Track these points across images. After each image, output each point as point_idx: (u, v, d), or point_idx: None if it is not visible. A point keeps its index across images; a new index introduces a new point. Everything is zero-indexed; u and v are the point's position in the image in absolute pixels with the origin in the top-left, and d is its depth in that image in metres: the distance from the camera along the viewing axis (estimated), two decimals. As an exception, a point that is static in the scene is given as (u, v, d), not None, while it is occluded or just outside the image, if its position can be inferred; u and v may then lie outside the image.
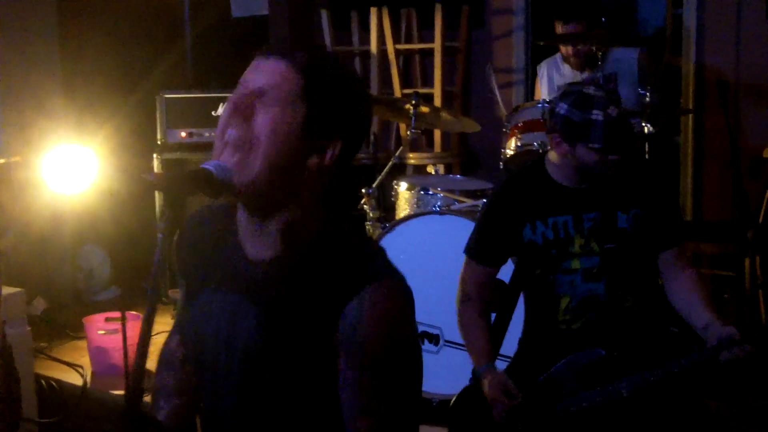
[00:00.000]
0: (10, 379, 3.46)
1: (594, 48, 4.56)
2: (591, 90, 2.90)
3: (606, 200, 3.00)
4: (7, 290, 4.98)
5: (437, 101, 6.52)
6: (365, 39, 6.85)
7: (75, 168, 4.74)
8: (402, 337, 1.79)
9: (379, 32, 6.65)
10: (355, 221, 1.78)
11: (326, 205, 1.86)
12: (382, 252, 1.85)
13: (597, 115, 2.85)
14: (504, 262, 3.21)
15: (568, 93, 2.94)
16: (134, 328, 4.78)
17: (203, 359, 1.91)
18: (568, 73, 4.94)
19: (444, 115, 4.92)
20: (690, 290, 3.01)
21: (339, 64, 1.86)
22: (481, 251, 3.18)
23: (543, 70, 5.12)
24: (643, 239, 3.02)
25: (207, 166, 1.75)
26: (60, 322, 5.38)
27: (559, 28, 4.87)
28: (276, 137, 1.75)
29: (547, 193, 3.04)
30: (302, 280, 1.80)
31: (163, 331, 2.34)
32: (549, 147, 3.06)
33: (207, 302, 1.92)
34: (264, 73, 1.78)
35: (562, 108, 2.92)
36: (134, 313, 4.99)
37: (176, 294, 5.39)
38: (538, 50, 5.21)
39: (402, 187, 4.70)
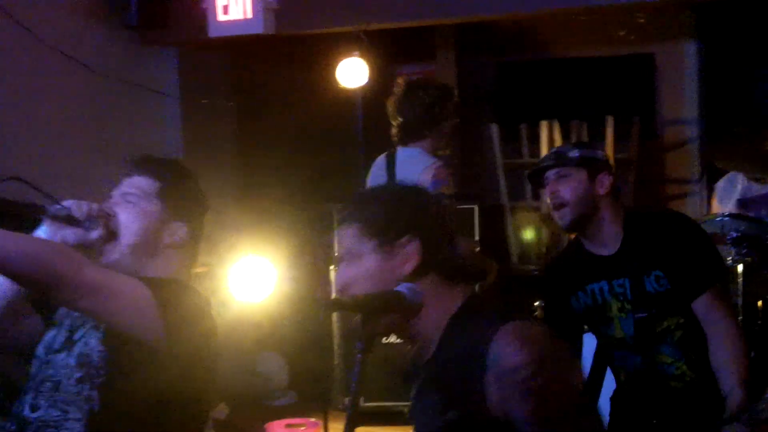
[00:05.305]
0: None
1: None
2: None
3: (632, 266, 3.00)
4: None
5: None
6: (535, 152, 6.91)
7: (256, 278, 4.94)
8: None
9: (549, 145, 6.70)
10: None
11: None
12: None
13: None
14: (575, 336, 3.17)
15: None
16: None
17: None
18: (746, 186, 4.84)
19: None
20: (721, 347, 2.89)
21: None
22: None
23: (719, 187, 5.04)
24: (674, 298, 2.97)
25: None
26: (241, 427, 5.53)
27: None
28: None
29: (584, 264, 3.12)
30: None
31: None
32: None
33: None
34: None
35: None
36: (313, 420, 5.10)
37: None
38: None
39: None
